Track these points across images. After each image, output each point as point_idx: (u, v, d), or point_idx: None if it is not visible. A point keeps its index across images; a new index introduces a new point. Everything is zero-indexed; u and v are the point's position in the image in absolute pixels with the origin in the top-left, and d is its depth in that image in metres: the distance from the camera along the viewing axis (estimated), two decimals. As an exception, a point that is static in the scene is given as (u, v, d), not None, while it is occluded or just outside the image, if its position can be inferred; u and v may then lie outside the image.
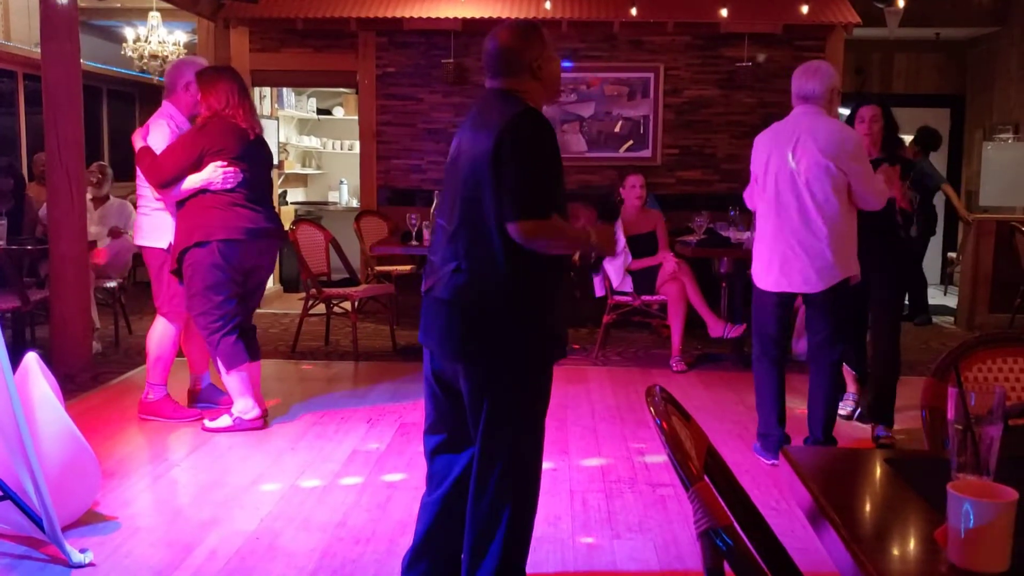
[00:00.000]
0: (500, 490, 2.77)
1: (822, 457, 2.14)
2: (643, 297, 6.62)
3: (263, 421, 4.91)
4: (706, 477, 1.68)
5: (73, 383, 5.72)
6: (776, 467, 4.38)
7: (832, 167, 4.17)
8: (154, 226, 4.89)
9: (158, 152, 4.72)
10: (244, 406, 4.84)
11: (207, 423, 4.89)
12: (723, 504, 1.60)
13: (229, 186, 4.64)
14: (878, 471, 1.94)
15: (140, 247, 5.04)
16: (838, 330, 4.38)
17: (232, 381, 4.80)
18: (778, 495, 3.97)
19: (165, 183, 4.72)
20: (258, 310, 8.47)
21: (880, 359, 4.87)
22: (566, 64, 8.20)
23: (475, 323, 2.71)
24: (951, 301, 9.42)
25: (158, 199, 4.83)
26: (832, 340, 4.38)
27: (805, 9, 7.76)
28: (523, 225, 2.62)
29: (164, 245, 4.83)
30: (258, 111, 8.87)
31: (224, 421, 4.85)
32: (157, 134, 4.83)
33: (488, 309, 2.70)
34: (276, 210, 5.03)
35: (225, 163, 4.63)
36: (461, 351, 2.75)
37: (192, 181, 4.65)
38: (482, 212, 2.68)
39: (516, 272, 2.70)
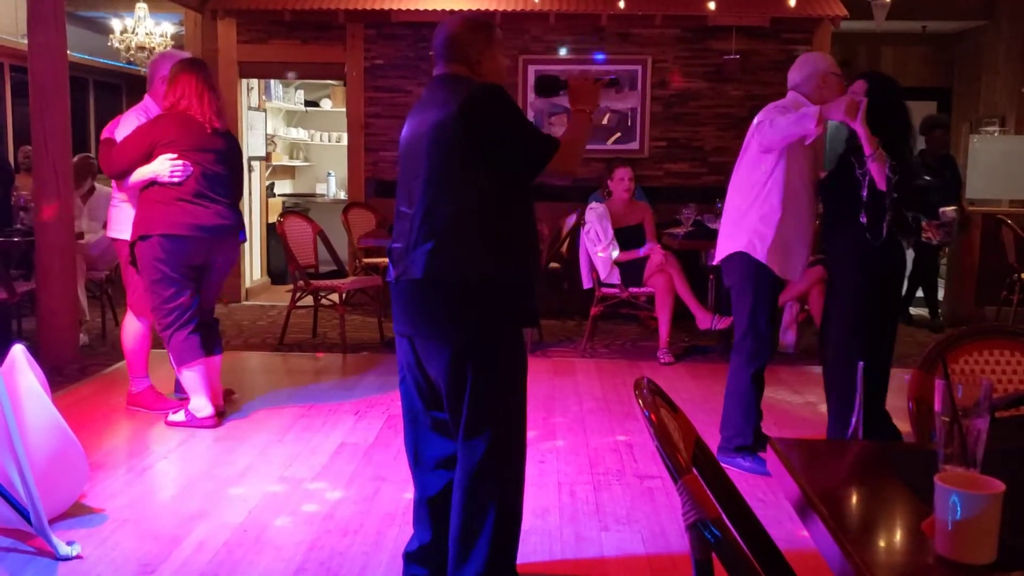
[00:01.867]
0: (487, 474, 2.77)
1: (809, 449, 2.14)
2: (631, 289, 6.63)
3: (216, 420, 4.80)
4: (694, 469, 1.69)
5: (60, 375, 5.70)
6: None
7: (751, 142, 4.23)
8: (120, 218, 4.92)
9: None
10: (197, 404, 4.77)
11: (169, 416, 4.86)
12: (711, 496, 1.60)
13: (176, 179, 4.54)
14: (865, 462, 1.95)
15: (111, 239, 5.11)
16: (736, 319, 4.34)
17: (185, 378, 4.75)
18: (765, 486, 3.99)
19: (116, 174, 4.74)
20: (245, 302, 8.55)
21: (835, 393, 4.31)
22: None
23: (456, 298, 2.72)
24: (938, 293, 9.46)
25: (120, 191, 4.86)
26: (736, 338, 4.34)
27: (793, 2, 7.76)
28: (552, 166, 2.77)
29: (128, 237, 4.80)
30: (245, 103, 8.89)
31: (180, 416, 4.82)
32: (124, 127, 4.84)
33: (468, 283, 2.72)
34: (237, 206, 4.90)
35: (175, 156, 4.55)
36: (443, 328, 2.75)
37: (140, 173, 4.59)
38: (453, 188, 2.72)
39: (494, 241, 2.74)
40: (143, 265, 4.64)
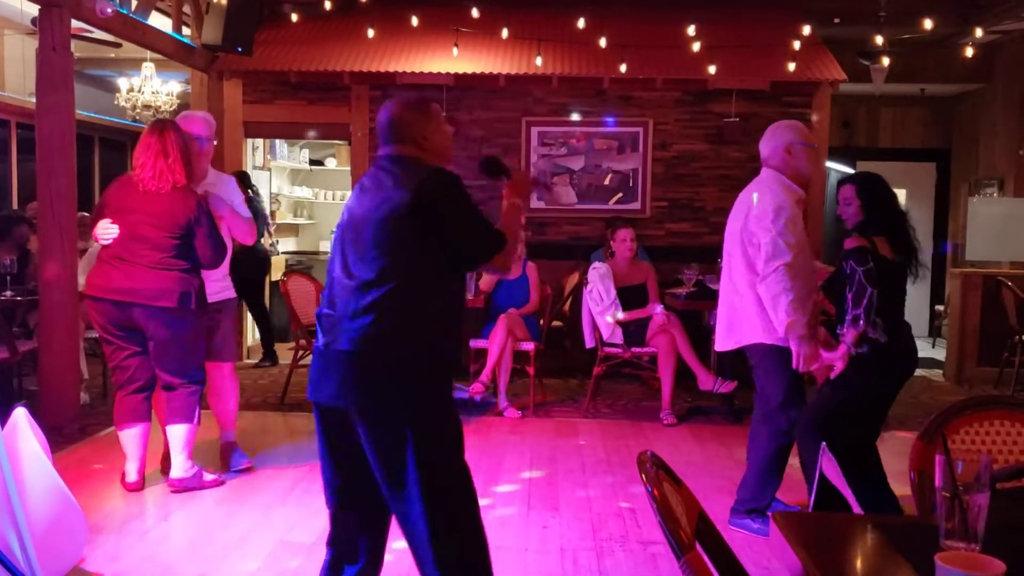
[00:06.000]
0: (437, 540, 2.73)
1: (812, 523, 2.14)
2: (633, 349, 6.64)
3: (134, 486, 4.72)
4: (697, 544, 1.69)
5: (60, 435, 5.68)
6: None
7: (745, 232, 4.15)
8: None
9: None
10: (126, 467, 4.76)
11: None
12: (714, 572, 1.60)
13: (104, 242, 4.56)
14: (868, 537, 1.95)
15: None
16: (766, 398, 4.25)
17: (120, 438, 4.73)
18: (769, 554, 3.96)
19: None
20: (247, 360, 8.53)
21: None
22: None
23: (385, 371, 2.72)
24: (939, 354, 9.47)
25: None
26: (761, 404, 4.28)
27: (792, 66, 7.88)
28: (495, 262, 2.92)
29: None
30: (250, 162, 8.95)
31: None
32: None
33: (397, 357, 2.73)
34: (172, 269, 4.54)
35: (108, 219, 4.55)
36: (368, 400, 2.72)
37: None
38: (397, 264, 2.75)
39: (426, 319, 2.78)
40: None
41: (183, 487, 4.72)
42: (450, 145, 3.10)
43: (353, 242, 2.86)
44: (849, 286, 3.84)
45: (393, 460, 2.72)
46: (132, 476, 4.74)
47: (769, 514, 4.06)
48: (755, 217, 4.08)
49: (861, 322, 3.81)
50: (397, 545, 3.01)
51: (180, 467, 4.72)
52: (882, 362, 3.91)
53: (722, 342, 4.39)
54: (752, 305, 4.17)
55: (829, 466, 3.61)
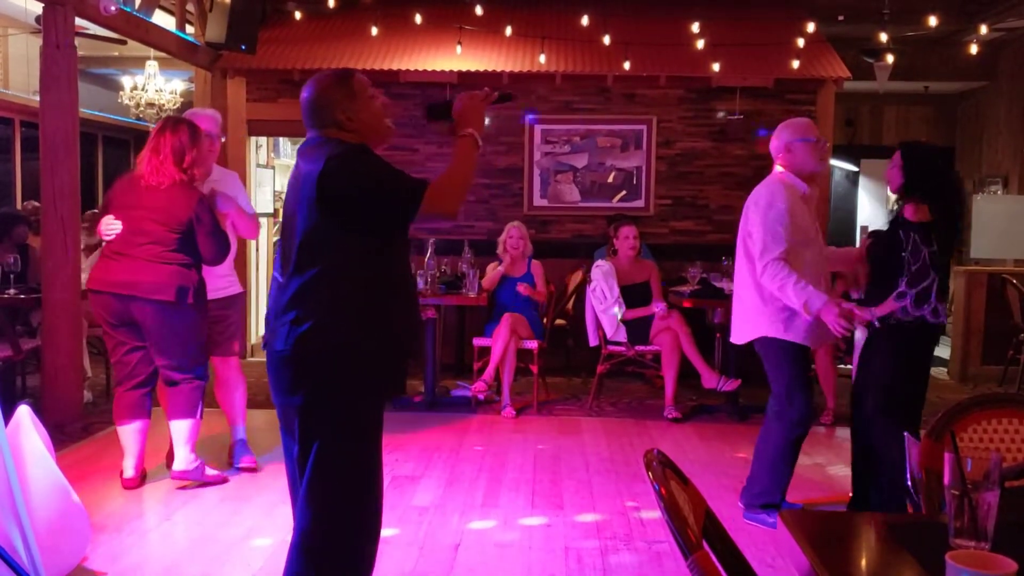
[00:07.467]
0: (308, 542, 2.75)
1: (820, 521, 2.13)
2: (637, 347, 6.63)
3: (130, 483, 4.74)
4: (704, 543, 1.68)
5: (63, 433, 5.68)
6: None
7: (744, 229, 4.30)
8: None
9: None
10: (123, 464, 4.76)
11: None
12: (722, 571, 1.59)
13: (107, 237, 4.56)
14: (876, 536, 1.93)
15: None
16: (774, 390, 4.31)
17: (119, 434, 4.73)
18: (774, 552, 3.95)
19: None
20: (250, 358, 8.52)
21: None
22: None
23: (315, 371, 2.63)
24: (944, 352, 9.44)
25: None
26: (772, 398, 4.33)
27: (796, 64, 7.86)
28: (424, 206, 2.58)
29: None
30: (253, 160, 8.94)
31: None
32: None
33: (328, 355, 2.62)
34: (171, 263, 4.50)
35: (112, 215, 4.56)
36: (300, 401, 2.66)
37: None
38: (318, 255, 2.62)
39: (358, 310, 2.63)
40: None
41: (186, 478, 4.74)
42: (381, 120, 2.81)
43: (287, 240, 2.74)
44: (913, 260, 3.95)
45: (304, 445, 2.69)
46: (129, 472, 4.74)
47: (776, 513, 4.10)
48: (751, 213, 4.24)
49: (907, 300, 3.96)
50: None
51: (183, 460, 4.73)
52: (926, 337, 4.10)
53: (736, 336, 4.50)
54: (755, 299, 4.27)
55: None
